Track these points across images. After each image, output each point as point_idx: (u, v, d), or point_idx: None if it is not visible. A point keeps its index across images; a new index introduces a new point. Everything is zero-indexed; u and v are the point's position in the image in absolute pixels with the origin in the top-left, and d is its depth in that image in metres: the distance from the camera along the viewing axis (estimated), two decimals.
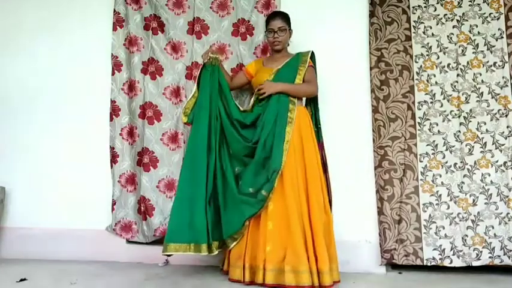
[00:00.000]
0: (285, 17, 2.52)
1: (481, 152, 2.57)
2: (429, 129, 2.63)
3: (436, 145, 2.61)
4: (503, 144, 2.56)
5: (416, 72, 2.67)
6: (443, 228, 2.53)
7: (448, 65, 2.66)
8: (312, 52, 2.53)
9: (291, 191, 2.27)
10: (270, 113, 2.39)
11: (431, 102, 2.65)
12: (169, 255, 2.36)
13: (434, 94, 2.65)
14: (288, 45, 2.59)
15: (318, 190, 2.33)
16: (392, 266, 2.62)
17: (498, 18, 2.66)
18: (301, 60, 2.48)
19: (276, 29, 2.48)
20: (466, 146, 2.59)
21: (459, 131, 2.60)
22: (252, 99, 2.51)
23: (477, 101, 2.61)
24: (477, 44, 2.65)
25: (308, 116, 2.48)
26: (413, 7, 2.72)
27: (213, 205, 2.36)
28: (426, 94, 2.65)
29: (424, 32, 2.69)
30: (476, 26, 2.67)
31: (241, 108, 2.51)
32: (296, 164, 2.32)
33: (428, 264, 2.50)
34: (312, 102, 2.57)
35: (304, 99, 2.55)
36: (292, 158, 2.31)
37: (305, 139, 2.38)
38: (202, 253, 2.27)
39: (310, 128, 2.45)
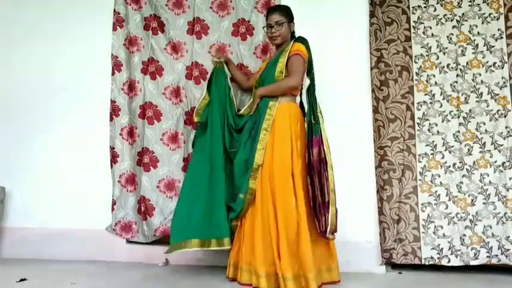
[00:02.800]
0: (284, 11, 2.45)
1: (480, 152, 2.58)
2: (428, 130, 2.63)
3: (435, 145, 2.62)
4: (502, 145, 2.57)
5: (416, 73, 2.68)
6: (442, 227, 2.54)
7: (448, 65, 2.67)
8: (300, 38, 2.39)
9: (259, 192, 2.27)
10: (254, 114, 2.41)
11: (430, 103, 2.65)
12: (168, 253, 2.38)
13: (434, 94, 2.65)
14: (295, 37, 2.49)
15: (285, 191, 2.22)
16: (392, 265, 2.63)
17: (498, 19, 2.66)
18: (283, 52, 2.38)
19: (273, 24, 2.42)
20: (465, 146, 2.60)
21: (458, 131, 2.61)
22: (248, 103, 2.53)
23: (476, 101, 2.62)
24: (477, 44, 2.66)
25: (289, 113, 2.33)
26: (413, 7, 2.72)
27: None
28: (426, 94, 2.66)
29: (423, 33, 2.69)
30: (476, 26, 2.67)
31: (241, 111, 2.53)
32: (266, 164, 2.29)
33: (426, 263, 2.52)
34: (308, 94, 2.43)
35: (301, 93, 2.49)
36: (267, 157, 2.29)
37: (276, 137, 2.29)
38: (227, 247, 2.32)
39: (289, 124, 2.30)
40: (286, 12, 2.46)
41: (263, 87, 2.41)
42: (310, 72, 2.44)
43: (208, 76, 2.61)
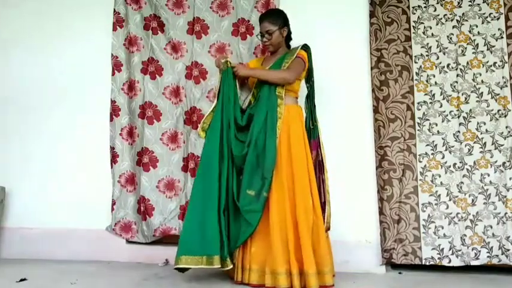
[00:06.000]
0: (273, 18, 2.42)
1: (481, 152, 2.58)
2: (428, 130, 2.63)
3: (436, 145, 2.62)
4: (502, 145, 2.57)
5: (416, 73, 2.67)
6: (442, 228, 2.54)
7: (448, 65, 2.66)
8: (305, 45, 2.43)
9: (274, 191, 2.25)
10: (261, 111, 2.36)
11: (430, 103, 2.65)
12: (182, 269, 2.25)
13: (434, 94, 2.65)
14: (291, 39, 2.52)
15: (305, 190, 2.24)
16: (392, 265, 2.63)
17: (498, 18, 2.65)
18: (289, 55, 2.42)
19: (264, 33, 2.44)
20: (465, 146, 2.60)
21: (459, 131, 2.61)
22: (247, 101, 2.50)
23: (477, 101, 2.61)
24: (477, 44, 2.65)
25: (299, 115, 2.41)
26: (413, 7, 2.72)
27: (227, 215, 2.30)
28: (426, 94, 2.66)
29: (423, 33, 2.69)
30: (476, 26, 2.66)
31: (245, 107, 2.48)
32: (282, 163, 2.27)
33: (427, 263, 2.51)
34: (309, 99, 2.48)
35: (301, 97, 2.50)
36: (279, 156, 2.28)
37: (293, 137, 2.31)
38: (215, 266, 2.19)
39: (301, 126, 2.37)
40: (276, 18, 2.43)
41: (254, 70, 2.45)
42: (309, 79, 2.48)
43: (217, 85, 2.45)
